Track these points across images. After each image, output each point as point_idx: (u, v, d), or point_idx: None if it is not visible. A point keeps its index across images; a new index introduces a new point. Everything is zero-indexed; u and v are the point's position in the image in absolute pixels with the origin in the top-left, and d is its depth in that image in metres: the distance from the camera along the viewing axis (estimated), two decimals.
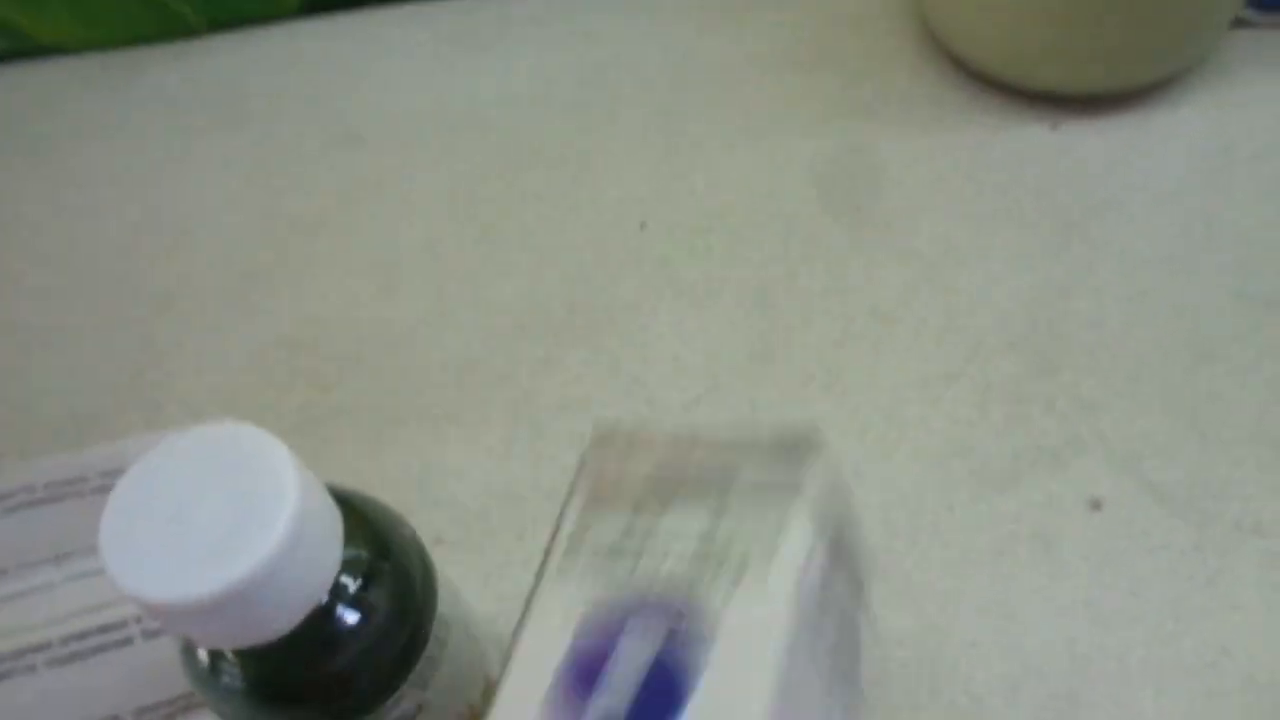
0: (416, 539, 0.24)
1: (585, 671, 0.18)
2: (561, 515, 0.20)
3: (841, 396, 0.34)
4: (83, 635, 0.29)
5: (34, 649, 0.29)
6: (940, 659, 0.29)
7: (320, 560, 0.20)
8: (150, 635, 0.29)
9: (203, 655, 0.21)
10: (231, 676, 0.21)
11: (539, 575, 0.20)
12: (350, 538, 0.21)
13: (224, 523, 0.18)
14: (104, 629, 0.29)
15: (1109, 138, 0.39)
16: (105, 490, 0.31)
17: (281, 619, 0.19)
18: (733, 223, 0.38)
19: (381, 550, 0.22)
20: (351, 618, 0.21)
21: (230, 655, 0.21)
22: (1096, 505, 0.31)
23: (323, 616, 0.21)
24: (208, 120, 0.45)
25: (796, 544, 0.19)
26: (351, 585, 0.21)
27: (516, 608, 0.31)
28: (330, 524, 0.20)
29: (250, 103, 0.45)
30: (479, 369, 0.36)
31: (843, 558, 0.21)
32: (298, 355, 0.37)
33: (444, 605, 0.24)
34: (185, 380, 0.37)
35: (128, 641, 0.29)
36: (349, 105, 0.44)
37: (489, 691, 0.27)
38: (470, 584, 0.31)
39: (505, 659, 0.19)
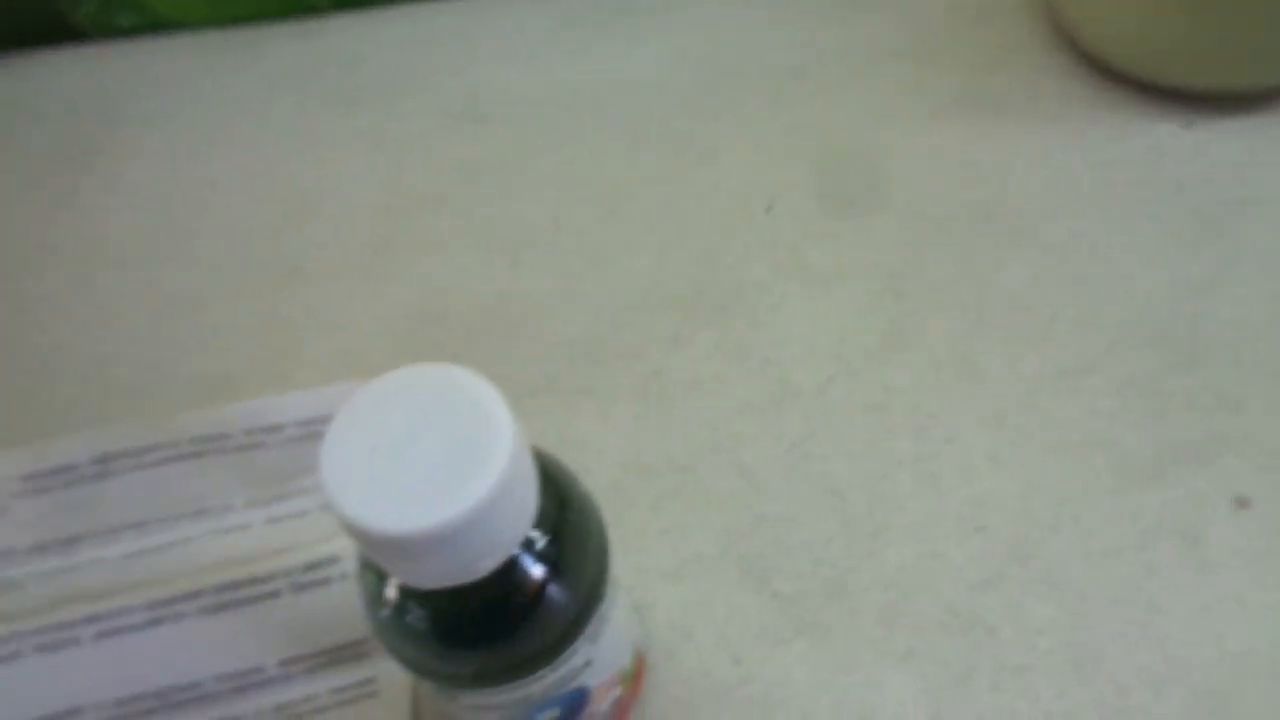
0: (590, 495, 0.24)
1: None
2: None
3: (976, 384, 0.34)
4: (233, 586, 0.29)
5: (185, 597, 0.29)
6: (1084, 649, 0.29)
7: (524, 504, 0.20)
8: (299, 589, 0.29)
9: (390, 597, 0.21)
10: (417, 619, 0.21)
11: None
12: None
13: (442, 460, 0.18)
14: (253, 581, 0.29)
15: (1245, 138, 0.38)
16: (248, 448, 0.32)
17: (487, 560, 0.19)
18: (860, 209, 0.38)
19: (563, 503, 0.22)
20: (538, 569, 0.21)
21: (418, 599, 0.21)
22: (1243, 503, 0.31)
23: (513, 565, 0.21)
24: (330, 97, 0.45)
25: None
26: (539, 538, 0.21)
27: (652, 580, 0.31)
28: (531, 470, 0.20)
29: (372, 80, 0.46)
30: (608, 345, 0.36)
31: None
32: (425, 326, 0.38)
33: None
34: (314, 346, 0.38)
35: (275, 595, 0.29)
36: (470, 83, 0.45)
37: (637, 659, 0.27)
38: None
39: None
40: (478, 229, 0.40)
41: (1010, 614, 0.30)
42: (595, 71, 0.44)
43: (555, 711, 0.24)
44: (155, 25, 0.49)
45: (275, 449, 0.33)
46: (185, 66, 0.47)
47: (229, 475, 0.33)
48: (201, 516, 0.33)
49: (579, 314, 0.37)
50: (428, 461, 0.18)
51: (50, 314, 0.40)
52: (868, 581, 0.30)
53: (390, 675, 0.30)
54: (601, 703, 0.26)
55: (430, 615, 0.21)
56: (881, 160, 0.40)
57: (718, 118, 0.42)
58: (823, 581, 0.31)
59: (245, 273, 0.40)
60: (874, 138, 0.40)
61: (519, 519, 0.20)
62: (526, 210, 0.40)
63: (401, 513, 0.18)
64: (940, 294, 0.36)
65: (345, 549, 0.30)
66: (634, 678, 0.28)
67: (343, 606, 0.30)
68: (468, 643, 0.22)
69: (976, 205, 0.38)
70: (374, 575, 0.22)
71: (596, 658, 0.24)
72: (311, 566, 0.29)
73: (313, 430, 0.33)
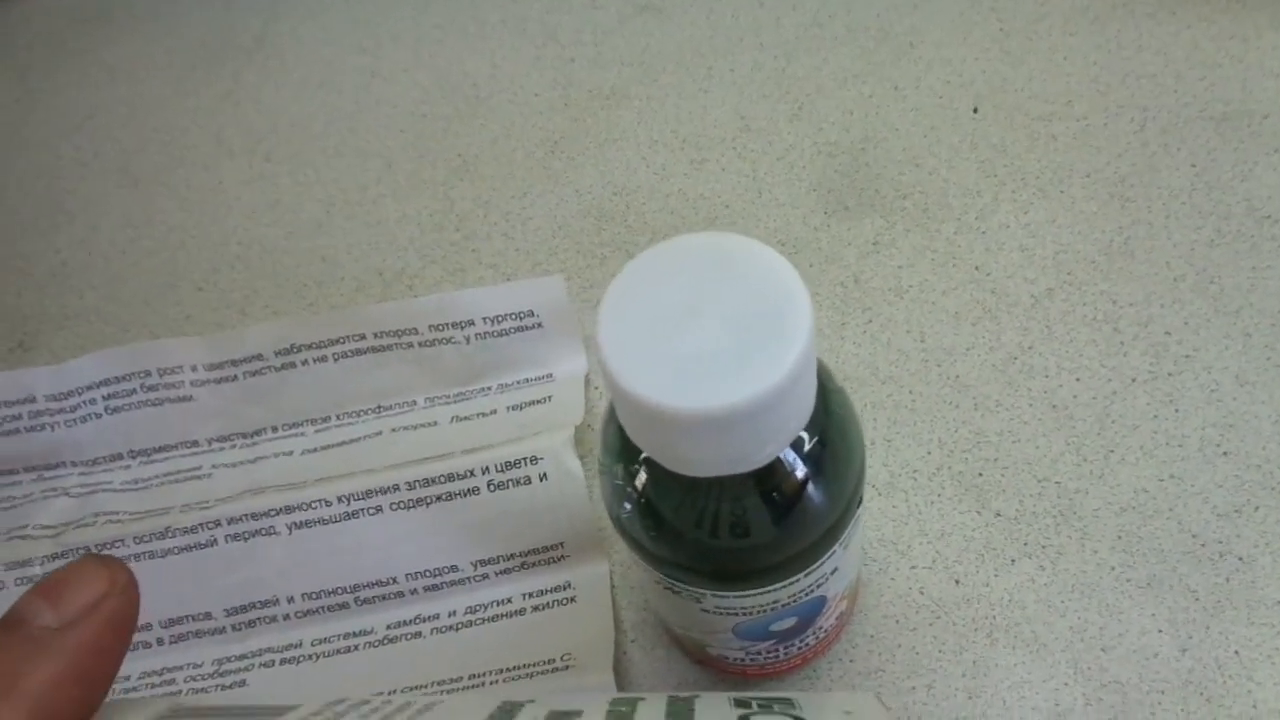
0: (845, 391, 0.22)
1: None
2: None
3: (1218, 299, 0.31)
4: (429, 481, 0.28)
5: (379, 491, 0.28)
6: None
7: (810, 388, 0.18)
8: (497, 488, 0.28)
9: (640, 485, 0.20)
10: (671, 513, 0.20)
11: None
12: None
13: (735, 333, 0.16)
14: (450, 477, 0.28)
15: None
16: (434, 343, 0.31)
17: (770, 447, 0.18)
18: (1078, 110, 0.35)
19: (826, 398, 0.20)
20: (802, 467, 0.19)
21: (673, 490, 0.20)
22: None
23: (779, 461, 0.19)
24: None
25: None
26: (805, 436, 0.19)
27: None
28: (814, 351, 0.18)
29: None
30: (803, 248, 0.34)
31: None
32: (607, 225, 0.36)
33: None
34: (490, 243, 0.36)
35: (474, 492, 0.28)
36: None
37: (852, 589, 0.25)
38: None
39: None
40: (658, 126, 0.38)
41: (1265, 544, 0.27)
42: None
43: (792, 620, 0.23)
44: None
45: (462, 345, 0.32)
46: None
47: (412, 371, 0.32)
48: (383, 412, 0.32)
49: (769, 216, 0.35)
50: (718, 335, 0.17)
51: (223, 206, 0.39)
52: (1100, 504, 0.28)
53: (589, 582, 0.28)
54: (830, 616, 0.24)
55: (686, 509, 0.20)
56: (1102, 58, 0.36)
57: (916, 12, 0.39)
58: (1050, 502, 0.28)
59: (416, 167, 0.39)
60: (1092, 35, 0.37)
61: (805, 403, 0.18)
62: (709, 107, 0.38)
63: (693, 389, 0.16)
64: (1174, 201, 0.33)
65: (546, 448, 0.28)
66: (854, 592, 0.26)
67: (541, 509, 0.28)
68: (726, 540, 0.20)
69: (1215, 107, 0.34)
70: (623, 464, 0.20)
71: (842, 565, 0.22)
72: (511, 465, 0.28)
73: (502, 327, 0.32)
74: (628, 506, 0.20)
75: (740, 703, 0.17)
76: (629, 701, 0.16)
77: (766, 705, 0.17)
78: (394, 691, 0.27)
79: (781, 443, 0.18)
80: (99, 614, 0.14)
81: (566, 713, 0.14)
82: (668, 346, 0.17)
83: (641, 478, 0.20)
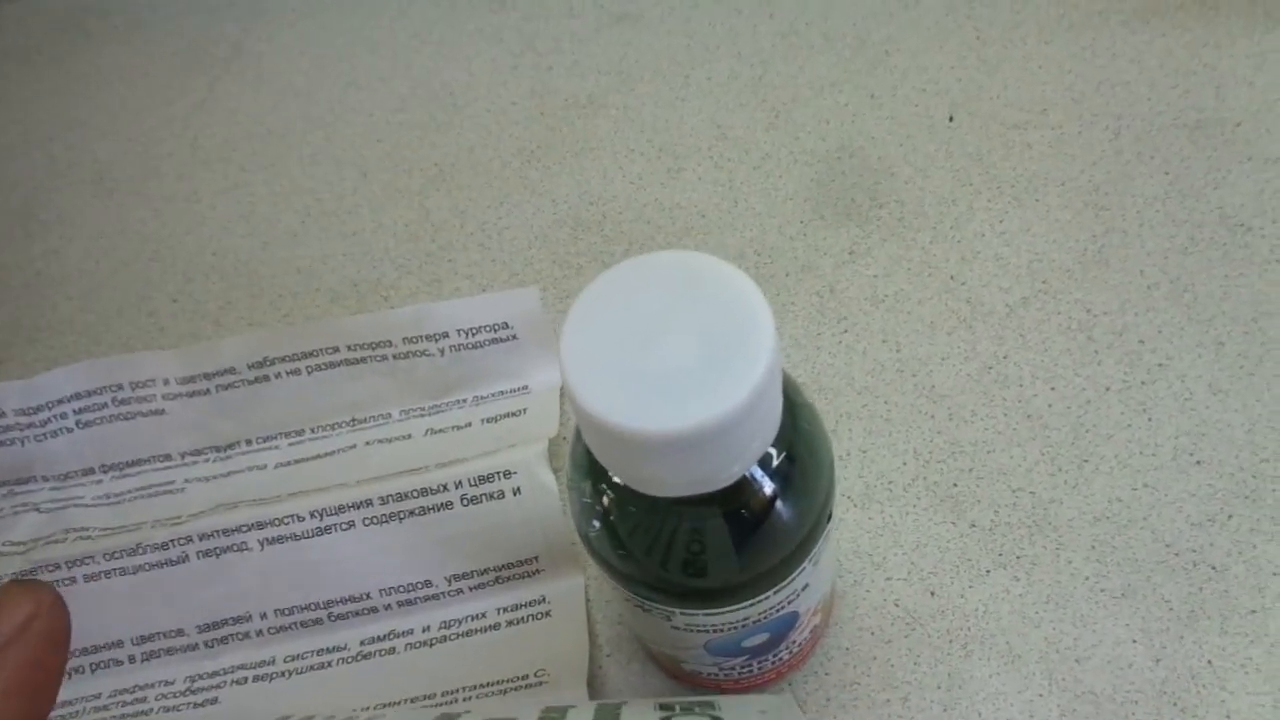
0: (814, 406, 0.22)
1: None
2: None
3: (1191, 307, 0.31)
4: (402, 496, 0.28)
5: (352, 506, 0.28)
6: None
7: (775, 406, 0.18)
8: (470, 502, 0.28)
9: (606, 504, 0.20)
10: (639, 533, 0.20)
11: None
12: None
13: (699, 353, 0.16)
14: (424, 492, 0.28)
15: None
16: (408, 356, 0.30)
17: (735, 467, 0.17)
18: (1053, 119, 0.35)
19: (794, 414, 0.20)
20: (769, 485, 0.19)
21: (640, 510, 0.19)
22: None
23: (746, 480, 0.19)
24: None
25: None
26: (773, 453, 0.19)
27: (835, 504, 0.29)
28: (780, 369, 0.18)
29: None
30: (778, 258, 0.34)
31: None
32: (583, 234, 0.36)
33: None
34: (466, 253, 0.36)
35: (447, 507, 0.28)
36: None
37: (826, 603, 0.25)
38: None
39: None
40: (635, 135, 0.38)
41: (1238, 553, 0.27)
42: None
43: (764, 637, 0.23)
44: None
45: (436, 358, 0.32)
46: None
47: (386, 384, 0.32)
48: (358, 425, 0.32)
49: (745, 226, 0.35)
50: (682, 354, 0.16)
51: (198, 216, 0.39)
52: (1074, 514, 0.28)
53: (564, 597, 0.28)
54: (804, 630, 0.24)
55: (653, 528, 0.20)
56: (1077, 67, 0.36)
57: (891, 20, 0.39)
58: (1024, 513, 0.28)
59: (392, 177, 0.38)
60: (1067, 43, 0.37)
61: (770, 421, 0.18)
62: (686, 116, 0.38)
63: (656, 410, 0.16)
64: (1148, 210, 0.33)
65: (520, 461, 0.28)
66: (829, 605, 0.26)
67: (514, 523, 0.28)
68: (693, 559, 0.20)
69: (1188, 115, 0.35)
70: (590, 482, 0.20)
71: (813, 581, 0.22)
72: (484, 479, 0.28)
73: (477, 339, 0.31)
74: (596, 524, 0.20)
75: (664, 706, 0.17)
76: (559, 710, 0.16)
77: (688, 708, 0.17)
78: (366, 708, 0.27)
79: (747, 462, 0.18)
80: (31, 633, 0.14)
81: None
82: (630, 366, 0.16)
83: (609, 496, 0.20)
